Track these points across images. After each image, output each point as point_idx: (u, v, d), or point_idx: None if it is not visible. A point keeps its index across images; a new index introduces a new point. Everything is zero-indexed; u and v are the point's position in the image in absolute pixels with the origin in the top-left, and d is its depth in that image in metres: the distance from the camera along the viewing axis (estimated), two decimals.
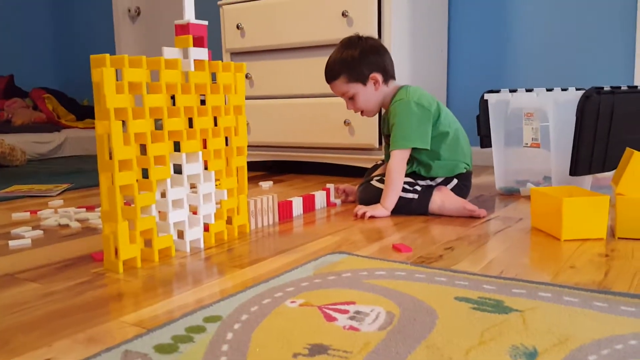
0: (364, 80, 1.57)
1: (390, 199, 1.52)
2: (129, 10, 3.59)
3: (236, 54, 2.44)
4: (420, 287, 0.94)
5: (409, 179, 1.56)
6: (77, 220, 1.54)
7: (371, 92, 1.58)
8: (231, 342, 0.74)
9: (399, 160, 1.53)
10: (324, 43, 2.15)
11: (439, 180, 1.59)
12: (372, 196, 1.56)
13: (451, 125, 1.60)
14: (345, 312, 0.84)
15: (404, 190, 1.53)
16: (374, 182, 1.59)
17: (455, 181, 1.59)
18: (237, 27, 2.36)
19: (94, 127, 3.54)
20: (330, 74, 1.59)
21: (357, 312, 0.83)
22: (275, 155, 2.39)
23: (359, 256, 1.14)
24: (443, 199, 1.51)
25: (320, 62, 2.17)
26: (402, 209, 1.52)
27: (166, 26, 3.56)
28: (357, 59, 1.55)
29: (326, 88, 2.14)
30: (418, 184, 1.57)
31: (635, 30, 2.11)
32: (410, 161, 1.58)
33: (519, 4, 2.39)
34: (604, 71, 2.22)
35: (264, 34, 2.31)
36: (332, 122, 2.16)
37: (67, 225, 1.48)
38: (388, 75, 1.60)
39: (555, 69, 2.32)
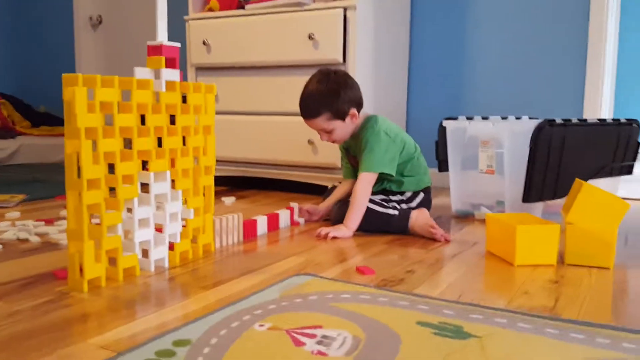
0: (344, 117, 1.62)
1: (354, 219, 1.56)
2: (91, 18, 3.54)
3: (201, 69, 2.44)
4: (384, 311, 0.98)
5: (381, 196, 1.67)
6: (37, 234, 1.51)
7: (348, 126, 1.65)
8: None
9: (366, 183, 1.59)
10: (290, 63, 2.19)
11: (408, 194, 1.71)
12: None
13: (415, 150, 1.73)
14: (313, 336, 0.86)
15: (383, 206, 1.61)
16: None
17: (422, 195, 1.72)
18: (204, 42, 2.37)
19: (50, 135, 3.46)
20: (311, 112, 1.62)
21: (325, 337, 0.86)
22: (238, 171, 2.40)
23: (324, 278, 1.16)
24: (417, 215, 1.58)
25: (286, 81, 2.22)
26: (382, 225, 1.59)
27: (128, 36, 3.52)
28: (339, 97, 1.60)
29: (291, 107, 2.18)
30: (392, 200, 1.66)
31: (586, 65, 2.24)
32: (380, 180, 1.66)
33: (476, 35, 2.48)
34: (556, 100, 2.34)
35: (230, 51, 2.32)
36: (296, 140, 2.19)
37: (26, 240, 1.46)
38: (361, 107, 1.67)
39: (510, 97, 2.43)
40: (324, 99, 1.61)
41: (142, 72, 1.19)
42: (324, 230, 1.54)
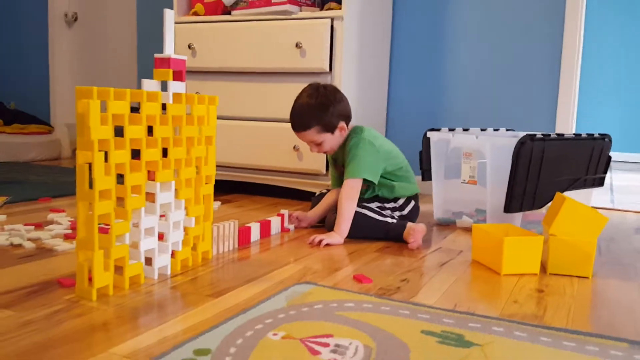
0: (333, 130, 1.70)
1: (343, 225, 1.62)
2: (66, 15, 3.49)
3: (186, 72, 2.45)
4: (388, 320, 1.03)
5: (377, 203, 1.74)
6: (29, 239, 1.51)
7: (337, 137, 1.72)
8: None
9: (349, 189, 1.66)
10: (277, 70, 2.23)
11: (400, 202, 1.79)
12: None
13: (402, 160, 1.81)
14: (326, 345, 0.91)
15: (381, 214, 1.68)
16: None
17: (413, 203, 1.82)
18: (189, 47, 2.38)
19: (22, 133, 3.40)
20: (302, 125, 1.69)
21: (338, 346, 0.91)
22: (223, 175, 2.42)
23: (325, 287, 1.21)
24: (413, 225, 1.63)
25: (272, 88, 2.25)
26: (381, 232, 1.65)
27: (103, 33, 3.49)
28: (328, 111, 1.67)
29: (277, 113, 2.23)
30: (387, 208, 1.75)
31: (559, 81, 2.35)
32: (370, 187, 1.75)
33: (455, 49, 2.57)
34: (530, 113, 2.44)
35: (216, 56, 2.34)
36: (281, 146, 2.23)
37: (20, 245, 1.45)
38: (349, 120, 1.75)
39: (486, 109, 2.52)
40: (314, 113, 1.67)
41: (149, 84, 1.21)
42: (317, 237, 1.59)
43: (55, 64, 3.52)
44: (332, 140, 1.72)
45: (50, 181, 2.55)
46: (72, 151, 3.27)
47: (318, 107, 1.67)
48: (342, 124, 1.71)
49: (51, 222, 1.73)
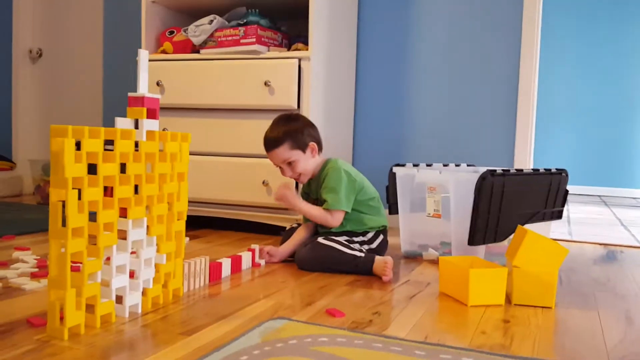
0: (304, 148, 1.78)
1: (303, 208, 1.79)
2: (30, 51, 3.47)
3: None
4: (362, 354, 1.05)
5: (345, 237, 1.77)
6: None
7: (309, 159, 1.81)
8: None
9: (330, 219, 1.76)
10: (245, 107, 2.26)
11: (370, 235, 1.83)
12: (320, 254, 1.70)
13: (374, 192, 1.89)
14: None
15: (348, 247, 1.71)
16: (320, 240, 1.72)
17: (382, 237, 1.86)
18: (157, 83, 2.40)
19: None
20: (275, 142, 1.77)
21: None
22: (192, 211, 2.41)
23: (299, 322, 1.23)
24: (381, 259, 1.66)
25: (241, 124, 2.29)
26: (349, 266, 1.68)
27: (69, 70, 3.48)
28: (300, 130, 1.78)
29: (246, 149, 2.26)
30: (355, 242, 1.79)
31: (516, 119, 2.46)
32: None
33: (417, 87, 2.66)
34: (490, 150, 2.54)
35: (184, 93, 2.37)
36: (250, 181, 2.25)
37: None
38: (320, 147, 1.83)
39: (447, 145, 2.60)
40: (286, 129, 1.78)
41: (123, 122, 1.22)
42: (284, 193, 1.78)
43: (18, 100, 3.48)
44: (304, 161, 1.79)
45: (12, 218, 2.50)
46: (34, 187, 3.21)
47: (290, 127, 1.79)
48: (314, 145, 1.80)
49: (17, 261, 1.70)
